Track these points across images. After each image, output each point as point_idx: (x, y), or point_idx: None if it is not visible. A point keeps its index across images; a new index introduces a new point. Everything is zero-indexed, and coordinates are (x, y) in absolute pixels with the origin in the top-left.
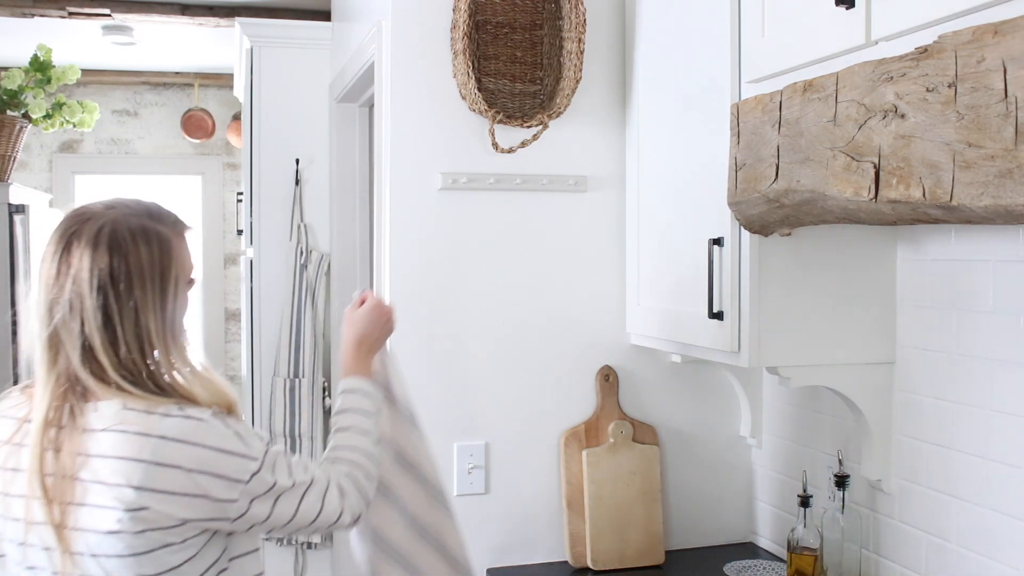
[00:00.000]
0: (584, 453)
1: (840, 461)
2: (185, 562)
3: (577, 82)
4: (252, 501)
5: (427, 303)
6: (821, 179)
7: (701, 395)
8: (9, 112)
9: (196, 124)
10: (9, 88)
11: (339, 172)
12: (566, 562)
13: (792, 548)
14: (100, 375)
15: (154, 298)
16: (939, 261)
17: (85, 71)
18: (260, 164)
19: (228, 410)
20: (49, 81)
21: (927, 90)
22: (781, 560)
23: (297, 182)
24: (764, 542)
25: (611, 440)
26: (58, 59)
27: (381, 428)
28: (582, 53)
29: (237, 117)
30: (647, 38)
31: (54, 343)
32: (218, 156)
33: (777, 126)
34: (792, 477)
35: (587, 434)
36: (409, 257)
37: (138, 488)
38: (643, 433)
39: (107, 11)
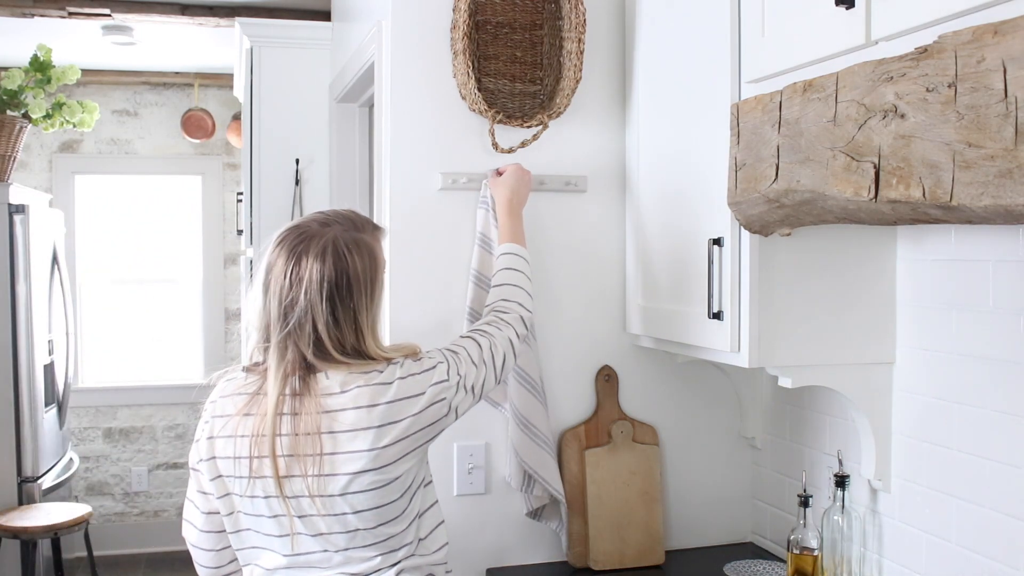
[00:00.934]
0: (584, 453)
1: (840, 461)
2: (406, 490)
3: (577, 82)
4: (457, 390)
5: (427, 303)
6: (821, 179)
7: (701, 395)
8: (9, 112)
9: (196, 124)
10: (9, 88)
11: (339, 172)
12: (566, 562)
13: (792, 548)
14: (326, 356)
15: (367, 297)
16: (939, 261)
17: (85, 71)
18: (260, 164)
19: (415, 355)
20: (49, 81)
21: (927, 90)
22: (781, 560)
23: (297, 182)
24: (764, 542)
25: (611, 440)
26: (58, 59)
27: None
28: (582, 53)
29: (237, 117)
30: (647, 38)
31: (288, 340)
32: (218, 156)
33: (777, 126)
34: (792, 477)
35: (587, 434)
36: (409, 257)
37: (380, 427)
38: (643, 433)
39: (107, 11)
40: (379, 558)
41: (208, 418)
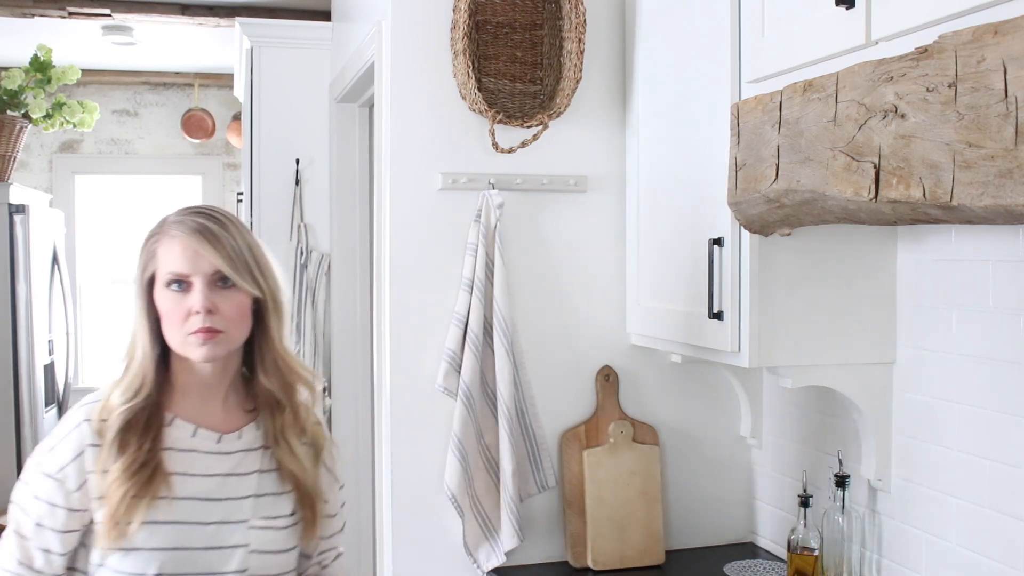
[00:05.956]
0: (584, 453)
1: (840, 461)
2: None
3: (577, 82)
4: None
5: (427, 303)
6: (821, 179)
7: (701, 395)
8: (9, 112)
9: (196, 124)
10: (9, 88)
11: (339, 172)
12: (566, 562)
13: (792, 548)
14: None
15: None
16: (939, 261)
17: (85, 71)
18: (260, 164)
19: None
20: (49, 81)
21: (927, 90)
22: (781, 560)
23: (297, 182)
24: (764, 542)
25: (611, 440)
26: (58, 59)
27: None
28: (582, 53)
29: (237, 117)
30: (647, 38)
31: None
32: (218, 156)
33: (777, 126)
34: (792, 477)
35: (587, 434)
36: (409, 257)
37: None
38: (643, 433)
39: (107, 11)
40: None
41: None
